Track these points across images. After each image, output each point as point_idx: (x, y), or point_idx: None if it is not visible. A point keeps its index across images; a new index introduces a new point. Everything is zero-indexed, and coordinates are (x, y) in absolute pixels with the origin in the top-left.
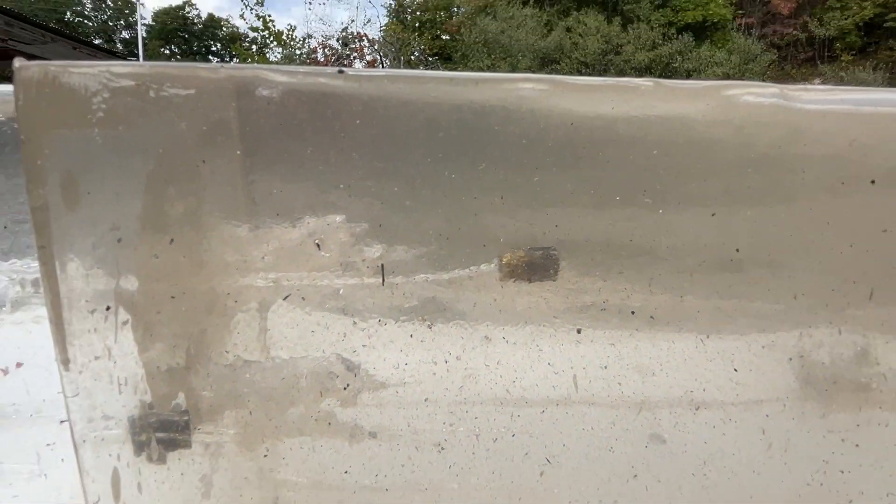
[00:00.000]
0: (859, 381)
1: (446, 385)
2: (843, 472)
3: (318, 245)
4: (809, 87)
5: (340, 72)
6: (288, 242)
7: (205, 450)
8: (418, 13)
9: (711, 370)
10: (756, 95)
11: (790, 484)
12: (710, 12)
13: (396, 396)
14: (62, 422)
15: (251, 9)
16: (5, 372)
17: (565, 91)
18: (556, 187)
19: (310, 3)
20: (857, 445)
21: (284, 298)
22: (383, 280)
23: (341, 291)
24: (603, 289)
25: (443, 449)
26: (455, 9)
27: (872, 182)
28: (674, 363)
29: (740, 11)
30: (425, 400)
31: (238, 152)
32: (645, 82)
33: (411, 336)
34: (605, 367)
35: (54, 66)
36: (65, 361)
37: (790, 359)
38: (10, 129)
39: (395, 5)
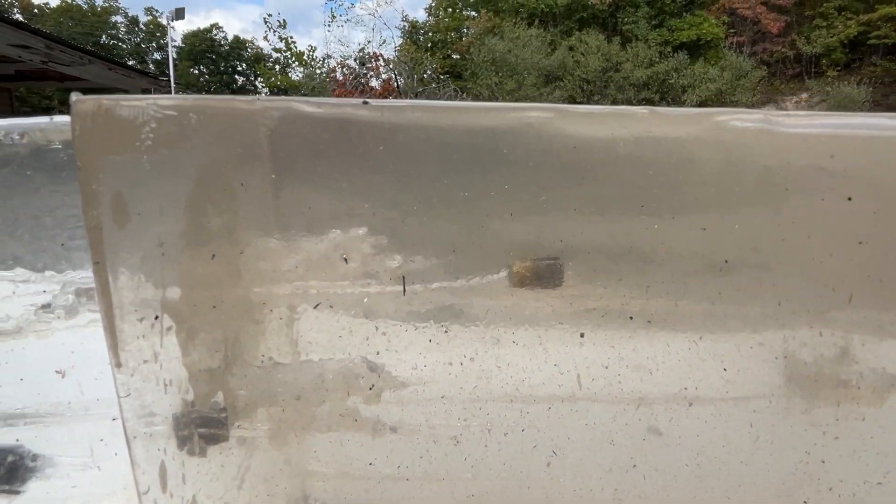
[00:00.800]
0: (839, 378)
1: (461, 384)
2: (823, 461)
3: (345, 258)
4: (791, 112)
5: (365, 103)
6: (316, 254)
7: (241, 444)
8: (430, 34)
9: (703, 369)
10: (742, 121)
11: (776, 473)
12: (704, 31)
13: (415, 395)
14: (114, 419)
15: (274, 31)
16: (62, 375)
17: (568, 118)
18: (561, 203)
19: (329, 25)
20: (836, 438)
21: (315, 307)
22: (404, 290)
23: (366, 300)
24: (604, 295)
25: (458, 442)
26: (465, 30)
27: (849, 199)
28: (669, 363)
29: (732, 30)
30: (442, 397)
31: (272, 176)
32: (640, 110)
33: (429, 340)
34: (607, 367)
35: (107, 99)
36: (118, 365)
37: (776, 358)
38: (67, 156)
39: (409, 27)
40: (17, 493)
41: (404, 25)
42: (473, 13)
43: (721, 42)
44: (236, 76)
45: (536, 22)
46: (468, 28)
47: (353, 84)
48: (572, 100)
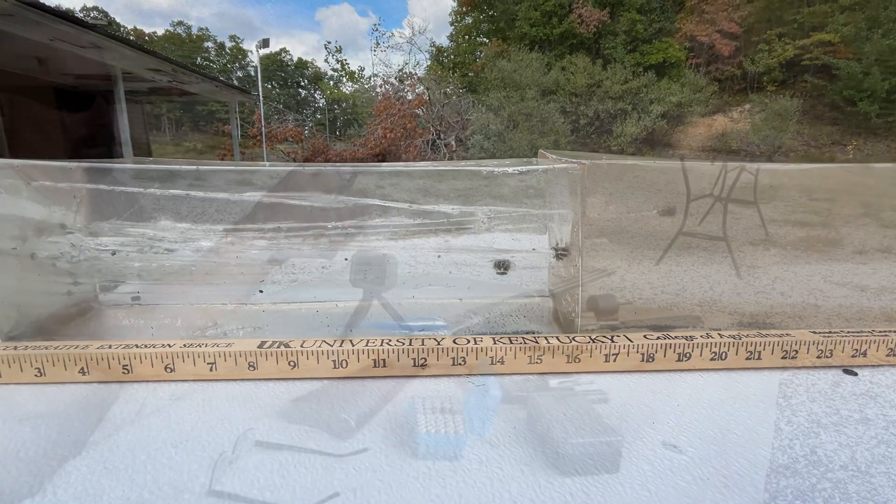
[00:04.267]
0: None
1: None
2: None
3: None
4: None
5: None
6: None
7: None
8: (452, 57)
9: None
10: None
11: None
12: (669, 54)
13: (626, 245)
14: (524, 253)
15: (332, 55)
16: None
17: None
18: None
19: (374, 50)
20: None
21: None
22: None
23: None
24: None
25: (647, 271)
26: (479, 53)
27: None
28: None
29: (691, 53)
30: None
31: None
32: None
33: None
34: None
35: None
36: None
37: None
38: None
39: (436, 51)
40: (506, 274)
41: (432, 50)
42: (486, 40)
43: (682, 63)
44: (300, 90)
45: (536, 47)
46: (481, 52)
47: (395, 97)
48: (563, 110)
